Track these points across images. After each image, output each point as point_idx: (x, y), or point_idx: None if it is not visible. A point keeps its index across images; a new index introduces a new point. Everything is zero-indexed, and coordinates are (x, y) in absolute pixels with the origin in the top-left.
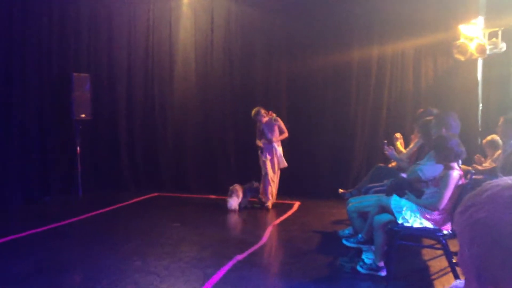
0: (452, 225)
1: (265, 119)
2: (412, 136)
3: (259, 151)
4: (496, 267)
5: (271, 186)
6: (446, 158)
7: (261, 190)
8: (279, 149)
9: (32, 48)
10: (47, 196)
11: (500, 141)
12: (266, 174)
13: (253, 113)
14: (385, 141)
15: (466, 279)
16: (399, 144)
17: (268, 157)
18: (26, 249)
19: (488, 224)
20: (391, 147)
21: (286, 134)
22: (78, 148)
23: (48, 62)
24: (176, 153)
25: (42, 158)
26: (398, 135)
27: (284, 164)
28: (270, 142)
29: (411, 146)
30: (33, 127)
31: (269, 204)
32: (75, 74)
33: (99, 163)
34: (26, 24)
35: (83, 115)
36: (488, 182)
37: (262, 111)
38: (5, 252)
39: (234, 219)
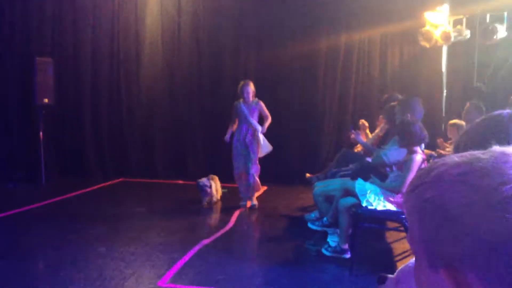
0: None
1: (250, 96)
2: (378, 122)
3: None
4: (446, 246)
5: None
6: (409, 142)
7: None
8: (262, 137)
9: None
10: (9, 183)
11: (464, 126)
12: (237, 170)
13: (240, 85)
14: (352, 125)
15: (416, 261)
16: (367, 131)
17: (238, 151)
18: None
19: (436, 204)
20: (358, 131)
21: (269, 119)
22: (41, 134)
23: (10, 45)
24: (143, 138)
25: (4, 144)
26: (363, 122)
27: (262, 153)
28: (250, 127)
29: (377, 131)
30: None
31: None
32: (37, 58)
33: (63, 149)
34: None
35: (46, 100)
36: (435, 161)
37: (252, 86)
38: None
39: (201, 205)
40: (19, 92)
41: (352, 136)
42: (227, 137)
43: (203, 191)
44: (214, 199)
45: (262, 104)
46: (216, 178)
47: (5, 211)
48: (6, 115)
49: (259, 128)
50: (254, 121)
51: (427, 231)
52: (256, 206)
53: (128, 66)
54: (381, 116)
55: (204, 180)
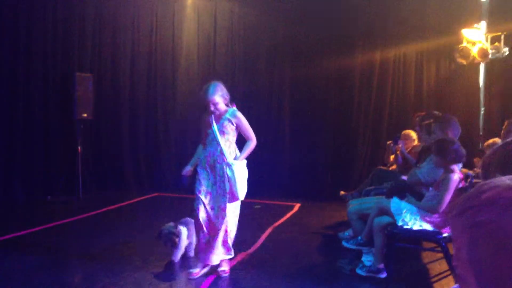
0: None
1: (217, 108)
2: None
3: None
4: (501, 271)
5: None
6: (449, 161)
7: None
8: (240, 169)
9: (36, 47)
10: (48, 196)
11: None
12: (197, 217)
13: (204, 90)
14: (398, 136)
15: (463, 283)
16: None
17: (203, 186)
18: (26, 247)
19: (491, 227)
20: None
21: (253, 143)
22: (79, 148)
23: (52, 61)
24: (178, 153)
25: (44, 157)
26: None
27: (239, 196)
28: (220, 153)
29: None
30: (35, 126)
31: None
32: (77, 73)
33: (100, 163)
34: (31, 23)
35: (85, 115)
36: (483, 183)
37: (220, 91)
38: (6, 249)
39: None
40: (58, 106)
41: (400, 146)
42: (187, 169)
43: (170, 241)
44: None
45: (240, 116)
46: (192, 225)
47: (43, 223)
48: (46, 129)
49: (229, 157)
50: (227, 142)
51: (479, 255)
52: (226, 273)
53: (165, 82)
54: (404, 133)
55: (169, 227)
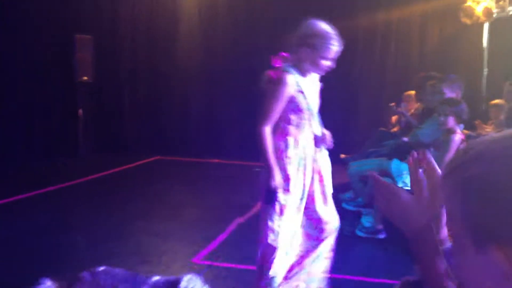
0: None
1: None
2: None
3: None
4: (496, 222)
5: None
6: (459, 121)
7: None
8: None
9: (35, 8)
10: (48, 159)
11: (504, 105)
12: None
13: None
14: (401, 99)
15: (458, 245)
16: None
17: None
18: (29, 209)
19: (482, 180)
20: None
21: None
22: (80, 111)
23: (50, 23)
24: (180, 116)
25: (44, 121)
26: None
27: None
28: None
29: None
30: (36, 89)
31: None
32: (77, 35)
33: (101, 126)
34: None
35: (86, 77)
36: (470, 142)
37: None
38: (9, 212)
39: (235, 183)
40: (59, 69)
41: (400, 109)
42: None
43: None
44: None
45: None
46: None
47: (43, 187)
48: (47, 92)
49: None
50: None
51: (473, 208)
52: None
53: (166, 43)
54: (407, 94)
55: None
